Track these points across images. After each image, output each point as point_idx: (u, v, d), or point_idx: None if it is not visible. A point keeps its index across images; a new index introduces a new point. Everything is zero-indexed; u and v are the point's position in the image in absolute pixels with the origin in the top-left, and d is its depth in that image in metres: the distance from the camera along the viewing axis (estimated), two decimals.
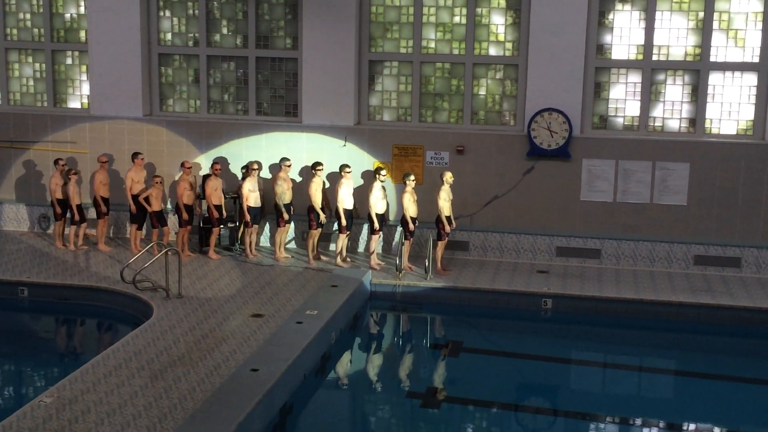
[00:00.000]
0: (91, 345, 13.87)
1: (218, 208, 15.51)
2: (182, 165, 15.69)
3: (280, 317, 12.74)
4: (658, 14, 15.36)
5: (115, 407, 9.75)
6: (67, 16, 17.18)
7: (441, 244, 15.13)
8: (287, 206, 15.49)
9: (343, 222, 15.25)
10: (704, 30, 15.27)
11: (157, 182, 15.61)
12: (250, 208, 15.44)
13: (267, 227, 16.43)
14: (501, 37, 15.92)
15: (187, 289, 13.88)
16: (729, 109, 15.49)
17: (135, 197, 15.71)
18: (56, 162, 16.05)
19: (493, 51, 15.97)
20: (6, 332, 14.10)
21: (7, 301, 14.43)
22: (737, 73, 15.38)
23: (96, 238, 16.27)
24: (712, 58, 15.36)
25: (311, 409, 11.27)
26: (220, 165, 15.77)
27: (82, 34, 17.09)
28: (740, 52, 15.33)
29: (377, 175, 15.23)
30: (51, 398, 9.92)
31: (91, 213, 16.35)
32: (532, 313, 14.35)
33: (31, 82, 17.51)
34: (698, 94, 15.47)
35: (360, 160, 16.12)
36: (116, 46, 16.61)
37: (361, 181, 16.03)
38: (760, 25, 15.15)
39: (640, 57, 15.54)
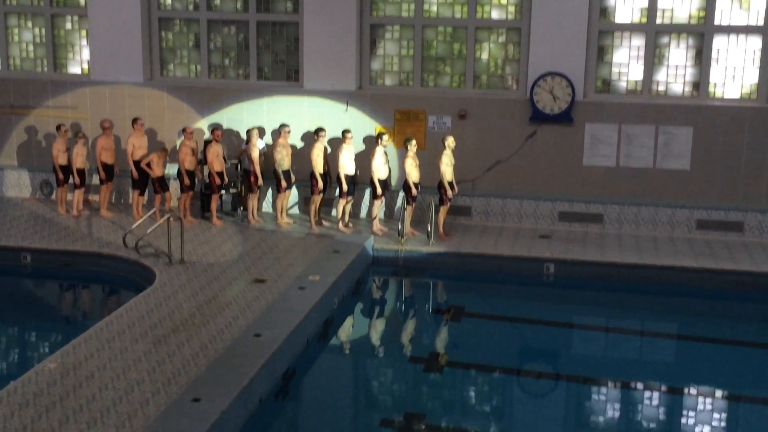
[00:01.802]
0: (94, 311, 13.92)
1: (219, 174, 15.48)
2: (184, 130, 15.64)
3: (282, 283, 12.75)
4: None
5: (118, 372, 9.79)
6: None
7: (443, 210, 15.11)
8: (286, 172, 15.44)
9: (344, 187, 15.21)
10: None
11: (161, 152, 15.56)
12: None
13: (269, 193, 16.40)
14: (503, 1, 15.78)
15: (190, 254, 13.89)
16: (733, 73, 15.39)
17: (137, 163, 15.67)
18: (58, 128, 15.99)
19: (495, 14, 15.85)
20: (9, 298, 14.14)
21: (10, 267, 14.45)
22: (742, 36, 15.26)
23: (98, 204, 16.26)
24: (717, 21, 15.23)
25: (314, 375, 11.32)
26: (220, 130, 15.72)
27: None
28: (745, 15, 15.19)
29: (379, 140, 15.17)
30: (55, 364, 9.96)
31: (95, 179, 16.33)
32: (534, 277, 14.37)
33: (31, 47, 17.40)
34: (702, 58, 15.36)
35: (362, 125, 16.06)
36: (116, 10, 16.49)
37: (362, 147, 15.98)
38: None
39: (644, 20, 15.42)
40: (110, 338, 10.73)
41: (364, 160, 15.57)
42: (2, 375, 11.00)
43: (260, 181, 15.43)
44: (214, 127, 15.80)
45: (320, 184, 15.27)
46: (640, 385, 11.28)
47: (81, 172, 15.86)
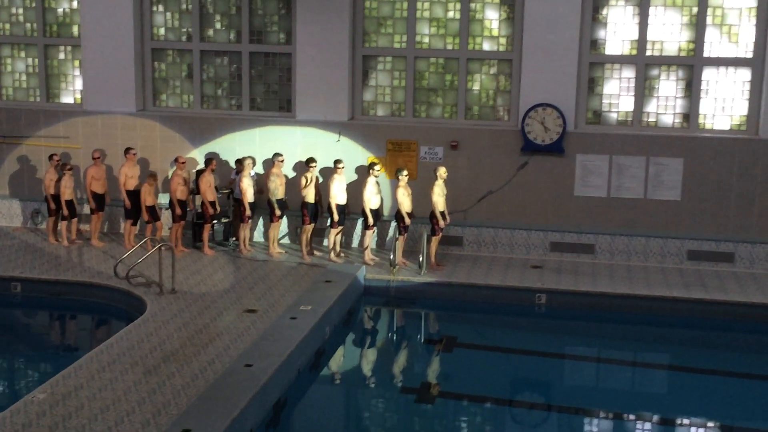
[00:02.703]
0: (84, 341, 13.85)
1: (212, 203, 15.48)
2: (176, 160, 15.65)
3: (274, 313, 12.72)
4: (652, 9, 15.37)
5: (108, 403, 9.73)
6: (60, 10, 17.12)
7: (435, 240, 15.12)
8: (280, 202, 15.47)
9: (336, 217, 15.22)
10: (698, 25, 15.28)
11: (150, 182, 15.54)
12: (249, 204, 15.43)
13: (260, 222, 16.40)
14: (495, 32, 15.91)
15: (181, 284, 13.86)
16: (723, 104, 15.50)
17: (129, 192, 15.67)
18: (51, 157, 15.99)
19: (487, 46, 15.96)
20: None
21: (0, 296, 14.38)
22: (731, 68, 15.39)
23: (89, 234, 16.24)
24: (706, 54, 15.37)
25: (305, 405, 11.27)
26: (216, 161, 15.75)
27: (75, 28, 17.03)
28: (734, 48, 15.34)
29: (371, 170, 15.21)
30: (44, 394, 9.90)
31: (86, 208, 16.32)
32: (526, 308, 14.36)
33: (24, 77, 17.45)
34: (692, 89, 15.48)
35: (354, 155, 16.10)
36: (109, 40, 16.56)
37: (354, 176, 16.01)
38: (753, 21, 15.16)
39: (634, 52, 15.55)
40: (100, 368, 10.67)
41: (355, 190, 15.60)
42: None
43: (248, 212, 15.41)
44: (210, 157, 15.82)
45: (308, 214, 15.30)
46: (632, 416, 11.26)
47: (70, 204, 15.85)
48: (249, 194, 15.40)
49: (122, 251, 15.24)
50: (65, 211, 15.82)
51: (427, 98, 16.30)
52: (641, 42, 15.47)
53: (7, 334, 13.87)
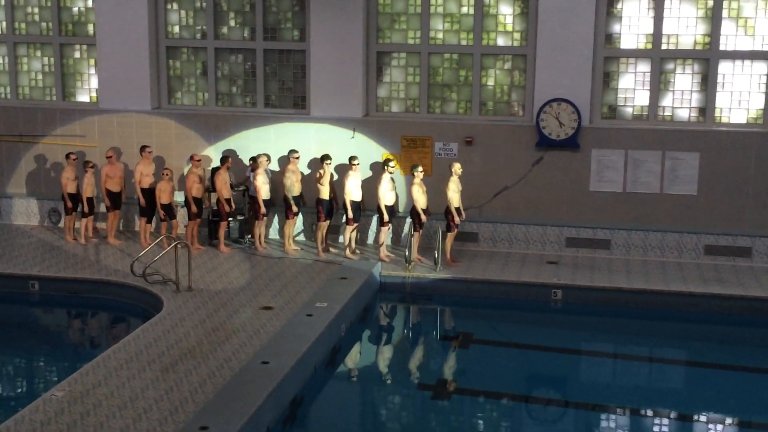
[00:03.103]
0: (101, 338, 13.92)
1: (227, 201, 15.52)
2: (191, 158, 15.70)
3: (289, 310, 12.75)
4: (667, 3, 15.28)
5: (126, 400, 9.78)
6: (75, 9, 17.18)
7: (450, 236, 15.11)
8: (296, 198, 15.49)
9: (351, 214, 15.23)
10: (713, 18, 15.19)
11: (166, 175, 15.61)
12: (263, 201, 15.44)
13: (276, 219, 16.43)
14: (509, 27, 15.87)
15: (197, 282, 13.90)
16: (739, 98, 15.41)
17: (144, 191, 15.73)
18: (68, 156, 16.07)
19: (501, 41, 15.92)
20: (17, 326, 14.16)
21: (19, 295, 14.47)
22: (747, 62, 15.30)
23: (105, 232, 16.31)
24: (722, 47, 15.28)
25: (322, 402, 11.29)
26: (231, 158, 15.80)
27: (90, 27, 17.10)
28: (750, 41, 15.24)
29: (386, 167, 15.21)
30: (62, 392, 9.96)
31: (102, 207, 16.38)
32: (541, 304, 14.33)
33: (40, 76, 17.53)
34: (708, 83, 15.40)
35: (369, 151, 16.10)
36: (124, 39, 16.62)
37: (369, 173, 16.01)
38: None
39: (649, 46, 15.48)
40: (118, 366, 10.73)
41: (371, 186, 15.60)
42: (10, 403, 10.98)
43: (263, 210, 15.44)
44: (226, 155, 15.86)
45: (323, 210, 15.33)
46: (649, 412, 11.22)
47: (90, 201, 15.93)
48: (263, 192, 15.42)
49: (138, 249, 15.29)
50: (86, 208, 15.90)
51: (442, 94, 16.28)
52: (656, 36, 15.39)
53: (25, 332, 13.95)
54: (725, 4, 15.13)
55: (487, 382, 11.97)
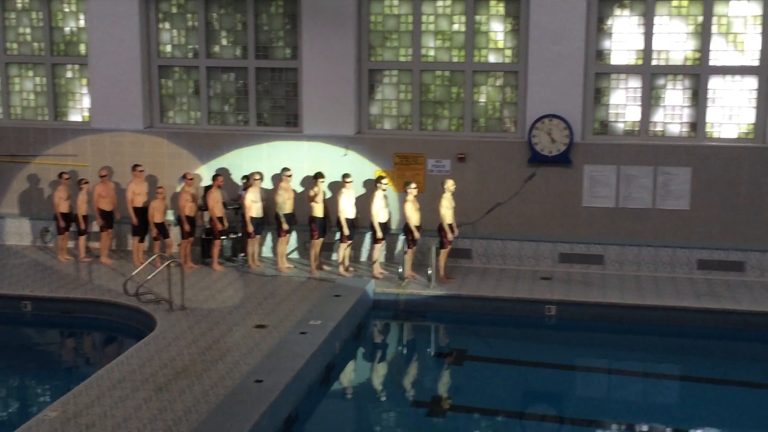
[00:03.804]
0: (94, 358, 13.86)
1: (220, 219, 15.51)
2: (184, 177, 15.69)
3: (283, 328, 12.72)
4: (657, 19, 15.37)
5: (119, 420, 9.73)
6: (67, 29, 17.21)
7: (443, 252, 15.11)
8: (288, 216, 15.48)
9: (345, 231, 15.23)
10: (703, 34, 15.28)
11: (159, 194, 15.60)
12: (252, 219, 15.42)
13: (269, 237, 16.41)
14: (500, 44, 15.94)
15: (190, 300, 13.87)
16: (730, 113, 15.48)
17: (137, 210, 15.71)
18: (60, 175, 16.06)
19: (492, 58, 15.99)
20: (10, 346, 14.10)
21: (11, 315, 14.41)
22: (737, 77, 15.38)
23: (98, 251, 16.27)
24: (712, 62, 15.36)
25: (316, 420, 11.25)
26: (222, 176, 15.80)
27: (82, 47, 17.12)
28: (740, 56, 15.33)
29: (379, 184, 15.23)
30: (55, 412, 9.90)
31: (95, 226, 16.35)
32: (535, 320, 14.32)
33: (32, 96, 17.53)
34: (698, 98, 15.46)
35: (361, 169, 16.12)
36: (116, 58, 16.64)
37: (362, 190, 16.02)
38: (759, 29, 15.15)
39: (640, 62, 15.55)
40: (111, 386, 10.68)
41: (364, 203, 15.60)
42: (3, 424, 10.91)
43: (249, 228, 15.40)
44: (217, 173, 15.85)
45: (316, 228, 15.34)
46: (644, 427, 11.21)
47: (85, 219, 15.93)
48: (252, 210, 15.41)
49: (131, 268, 15.24)
50: (82, 225, 15.88)
51: (434, 111, 16.32)
52: (647, 52, 15.47)
53: (18, 352, 13.89)
54: (715, 20, 15.23)
55: (482, 399, 11.93)
